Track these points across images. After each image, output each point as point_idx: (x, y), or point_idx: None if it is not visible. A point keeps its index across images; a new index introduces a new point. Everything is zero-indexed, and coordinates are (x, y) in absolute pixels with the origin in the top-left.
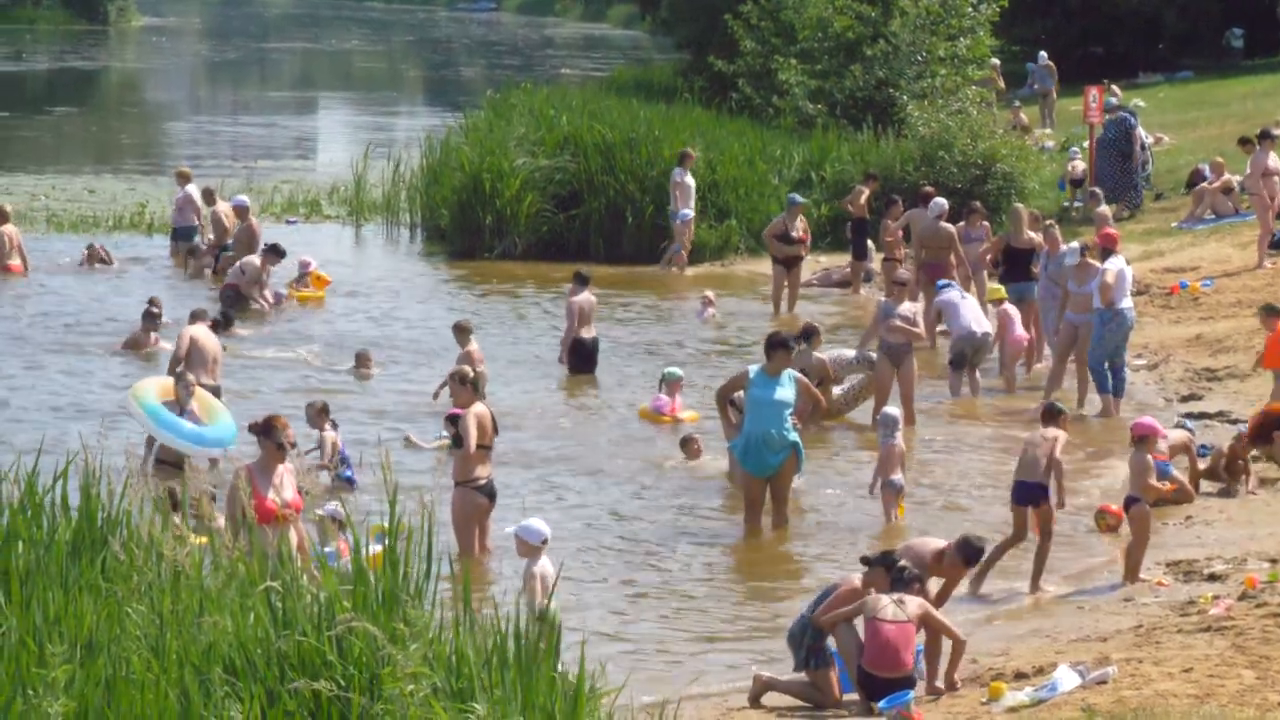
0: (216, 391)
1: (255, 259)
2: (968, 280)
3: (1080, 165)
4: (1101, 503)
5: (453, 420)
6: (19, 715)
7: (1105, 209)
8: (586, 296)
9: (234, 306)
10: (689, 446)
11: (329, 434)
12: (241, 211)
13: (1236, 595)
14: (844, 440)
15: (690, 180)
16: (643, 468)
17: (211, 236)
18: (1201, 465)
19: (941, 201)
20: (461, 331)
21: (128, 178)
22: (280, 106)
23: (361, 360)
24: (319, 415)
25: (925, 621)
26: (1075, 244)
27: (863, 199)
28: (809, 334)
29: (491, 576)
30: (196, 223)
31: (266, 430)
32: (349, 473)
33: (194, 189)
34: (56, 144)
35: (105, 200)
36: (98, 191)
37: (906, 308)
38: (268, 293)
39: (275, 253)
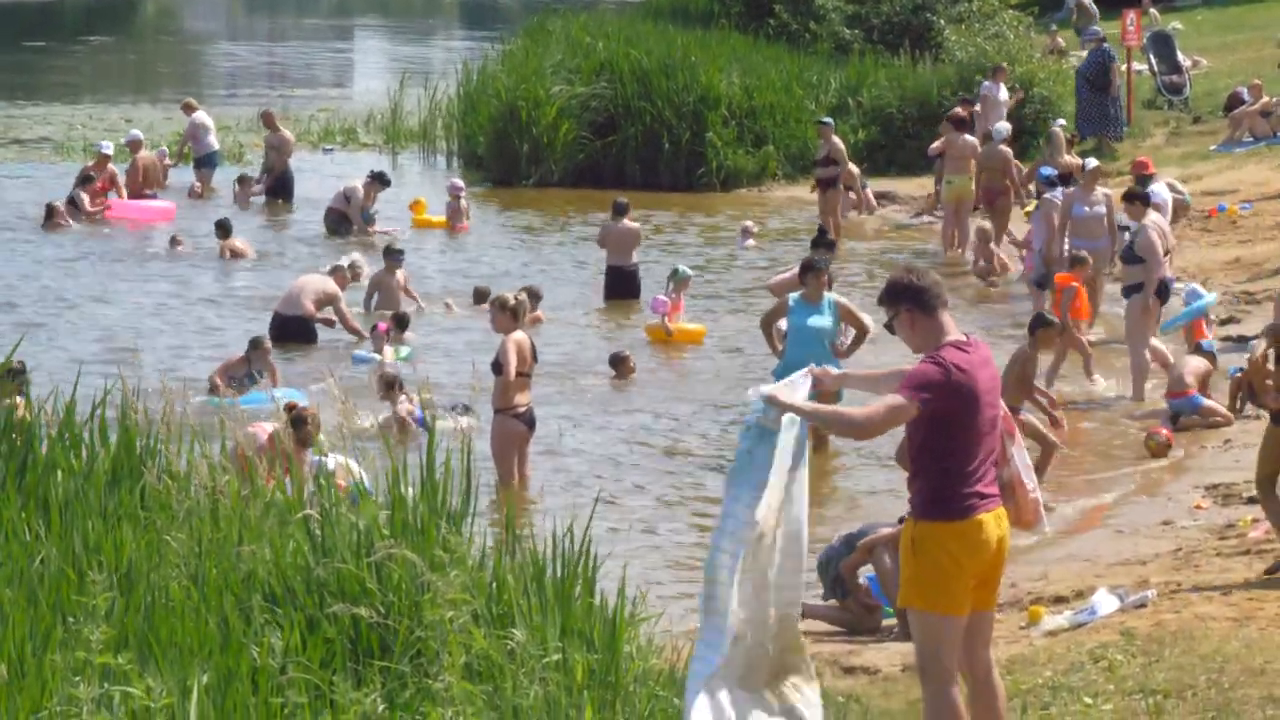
0: (301, 322)
1: (359, 186)
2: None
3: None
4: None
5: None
6: (60, 642)
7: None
8: (615, 225)
9: (339, 229)
10: (622, 365)
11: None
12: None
13: None
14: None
15: (1005, 94)
16: (682, 397)
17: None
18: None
19: (1004, 125)
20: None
21: (165, 107)
22: (317, 34)
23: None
24: (388, 389)
25: None
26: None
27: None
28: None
29: (531, 504)
30: (215, 147)
31: (295, 421)
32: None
33: (203, 115)
34: (93, 73)
35: (143, 129)
36: (135, 121)
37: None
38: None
39: (380, 181)
